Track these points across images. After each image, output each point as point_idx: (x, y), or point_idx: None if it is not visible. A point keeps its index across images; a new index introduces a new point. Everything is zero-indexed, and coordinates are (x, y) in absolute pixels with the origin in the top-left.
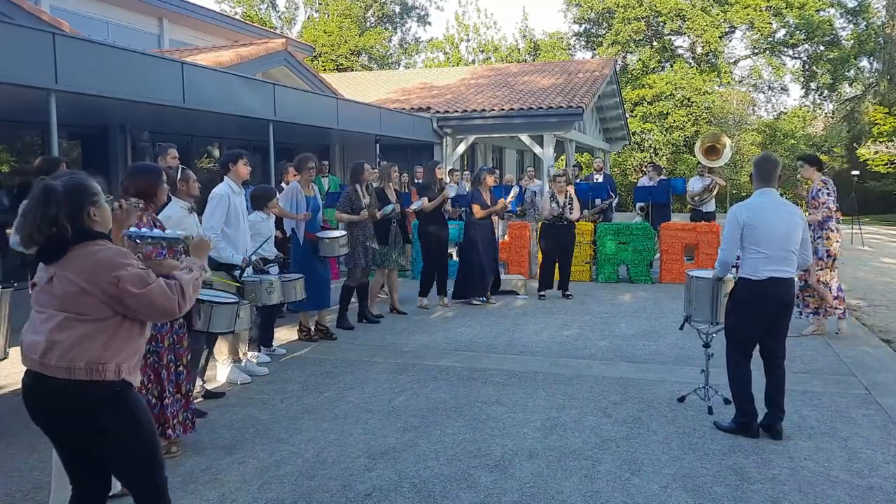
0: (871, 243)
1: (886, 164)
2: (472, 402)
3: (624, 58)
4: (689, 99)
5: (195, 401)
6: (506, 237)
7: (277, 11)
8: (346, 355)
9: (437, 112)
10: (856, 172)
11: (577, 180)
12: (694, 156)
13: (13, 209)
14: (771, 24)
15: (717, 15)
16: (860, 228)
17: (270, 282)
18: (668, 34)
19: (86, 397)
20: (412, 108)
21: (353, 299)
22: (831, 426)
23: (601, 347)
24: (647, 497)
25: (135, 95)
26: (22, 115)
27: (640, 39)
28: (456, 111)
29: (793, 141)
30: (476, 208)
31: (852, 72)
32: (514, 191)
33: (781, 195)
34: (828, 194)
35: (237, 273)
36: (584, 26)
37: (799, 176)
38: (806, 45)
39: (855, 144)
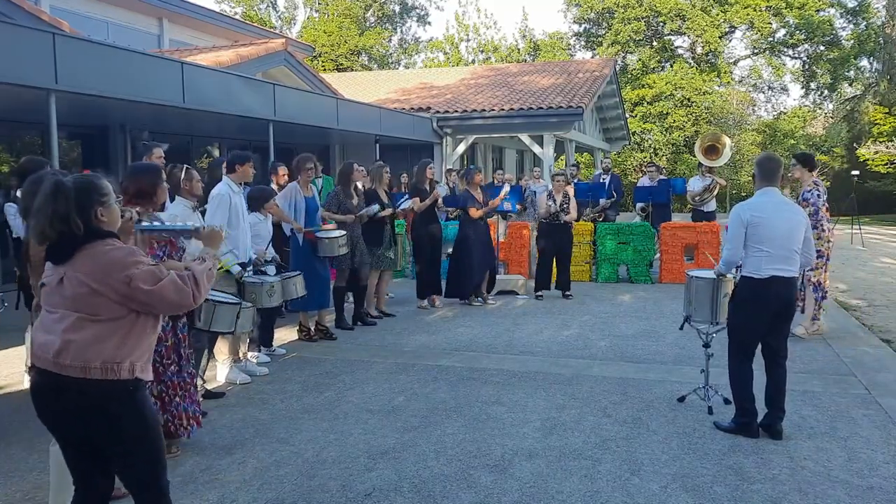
0: (870, 243)
1: (886, 164)
2: (472, 402)
3: (624, 58)
4: (688, 99)
5: None
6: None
7: (277, 11)
8: (346, 355)
9: (437, 112)
10: (856, 172)
11: (576, 180)
12: (694, 156)
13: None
14: (771, 24)
15: (717, 15)
16: (860, 228)
17: (271, 284)
18: (668, 34)
19: (99, 396)
20: (412, 108)
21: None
22: (831, 426)
23: (601, 347)
24: (647, 497)
25: (135, 95)
26: (22, 115)
27: (639, 39)
28: (456, 111)
29: (793, 141)
30: (473, 211)
31: (852, 72)
32: (505, 189)
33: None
34: (818, 196)
35: (239, 271)
36: (583, 26)
37: (789, 174)
38: (806, 45)
39: (855, 144)
